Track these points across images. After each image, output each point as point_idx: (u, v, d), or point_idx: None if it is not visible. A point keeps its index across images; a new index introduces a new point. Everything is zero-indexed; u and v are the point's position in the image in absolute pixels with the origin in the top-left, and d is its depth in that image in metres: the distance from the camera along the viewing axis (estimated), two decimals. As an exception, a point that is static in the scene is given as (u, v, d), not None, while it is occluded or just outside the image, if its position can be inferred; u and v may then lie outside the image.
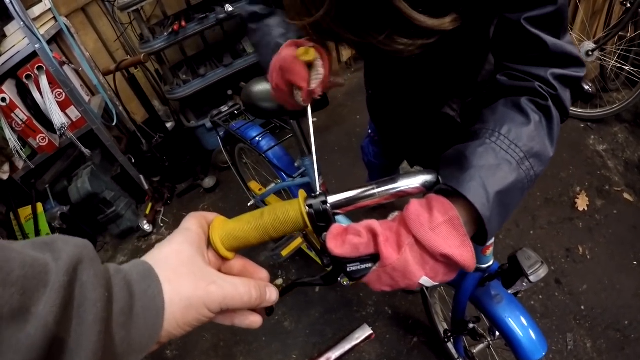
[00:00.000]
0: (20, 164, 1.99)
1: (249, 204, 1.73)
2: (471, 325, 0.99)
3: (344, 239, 0.45)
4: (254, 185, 1.86)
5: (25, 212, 2.06)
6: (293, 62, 0.61)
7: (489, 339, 1.12)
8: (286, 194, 1.61)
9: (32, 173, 2.07)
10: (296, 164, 1.30)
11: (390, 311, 1.66)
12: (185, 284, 0.36)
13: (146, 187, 2.35)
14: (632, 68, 2.14)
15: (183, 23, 2.06)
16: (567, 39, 0.56)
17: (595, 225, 1.81)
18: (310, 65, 0.62)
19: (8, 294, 0.24)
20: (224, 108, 2.30)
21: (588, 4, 2.12)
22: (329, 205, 0.47)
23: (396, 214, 0.48)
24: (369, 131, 1.43)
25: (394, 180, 0.50)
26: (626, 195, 1.92)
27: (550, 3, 0.52)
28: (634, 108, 2.29)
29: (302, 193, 0.48)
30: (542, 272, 0.74)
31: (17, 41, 1.80)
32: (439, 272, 0.44)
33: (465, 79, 0.80)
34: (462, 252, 0.42)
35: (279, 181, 1.42)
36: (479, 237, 0.48)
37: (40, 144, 1.99)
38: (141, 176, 2.34)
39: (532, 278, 0.72)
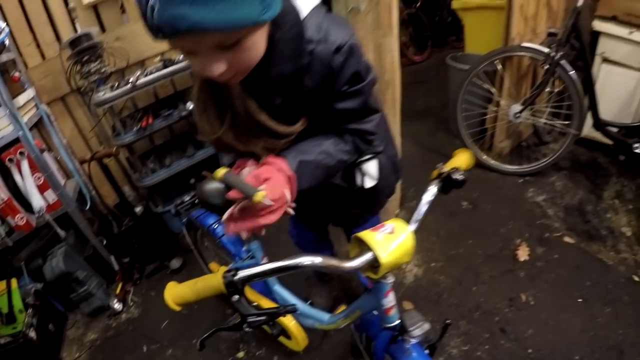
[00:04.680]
0: (-3, 241, 2.04)
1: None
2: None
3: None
4: (214, 266, 1.98)
5: (-1, 286, 2.08)
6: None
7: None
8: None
9: (8, 250, 2.11)
10: (244, 248, 1.43)
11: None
12: None
13: (117, 267, 2.41)
14: (563, 122, 2.26)
15: (150, 120, 2.27)
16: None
17: (537, 272, 1.89)
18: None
19: None
20: (187, 197, 2.51)
21: (512, 71, 2.37)
22: (236, 279, 0.70)
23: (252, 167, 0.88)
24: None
25: (286, 260, 0.74)
26: (567, 239, 2.02)
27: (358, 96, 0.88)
28: (569, 154, 2.43)
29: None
30: (425, 326, 0.86)
31: (3, 127, 1.91)
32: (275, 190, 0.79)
33: None
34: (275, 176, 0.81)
35: (234, 262, 1.55)
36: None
37: (18, 223, 2.06)
38: (112, 257, 2.41)
39: (413, 333, 0.85)
